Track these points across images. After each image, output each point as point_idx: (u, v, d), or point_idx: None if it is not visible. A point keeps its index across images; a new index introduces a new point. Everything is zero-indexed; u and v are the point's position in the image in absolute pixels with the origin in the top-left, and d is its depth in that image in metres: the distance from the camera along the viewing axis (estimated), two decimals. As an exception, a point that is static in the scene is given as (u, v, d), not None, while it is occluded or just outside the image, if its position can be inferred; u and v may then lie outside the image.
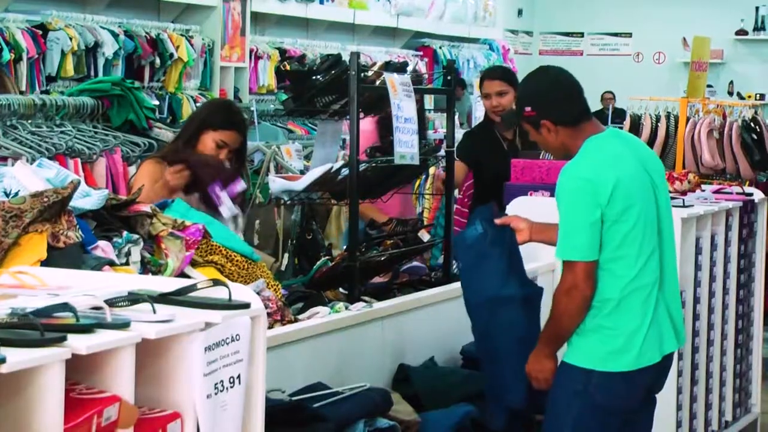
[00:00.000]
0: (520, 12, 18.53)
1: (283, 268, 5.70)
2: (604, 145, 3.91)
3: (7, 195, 3.45)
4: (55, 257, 3.16)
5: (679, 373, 5.40)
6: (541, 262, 4.94)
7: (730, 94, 17.19)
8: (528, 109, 3.94)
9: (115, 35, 9.36)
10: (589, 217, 3.78)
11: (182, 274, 3.56)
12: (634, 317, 3.88)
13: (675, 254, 4.09)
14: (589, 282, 3.81)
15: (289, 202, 4.85)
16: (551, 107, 3.93)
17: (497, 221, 4.14)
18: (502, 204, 5.18)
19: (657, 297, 3.92)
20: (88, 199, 3.49)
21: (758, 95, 17.04)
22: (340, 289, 4.72)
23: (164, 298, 2.53)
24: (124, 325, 2.32)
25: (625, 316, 3.87)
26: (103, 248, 3.38)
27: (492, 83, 6.10)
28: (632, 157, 3.92)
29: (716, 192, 6.23)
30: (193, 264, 3.68)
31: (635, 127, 8.40)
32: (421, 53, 14.07)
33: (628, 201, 3.81)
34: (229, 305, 2.54)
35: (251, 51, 11.13)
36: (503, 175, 5.54)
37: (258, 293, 3.39)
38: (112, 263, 3.33)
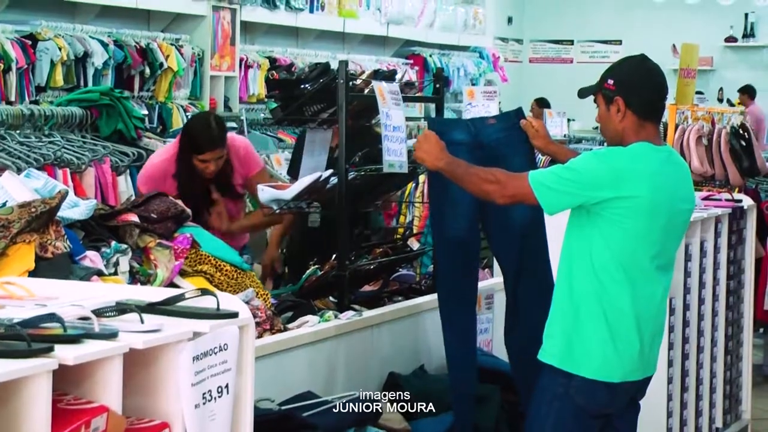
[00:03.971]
0: (510, 20, 18.56)
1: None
2: (650, 156, 3.88)
3: (-6, 205, 3.44)
4: (43, 267, 3.16)
5: (669, 380, 5.40)
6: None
7: (720, 100, 17.22)
8: (610, 82, 3.97)
9: (105, 45, 9.36)
10: (576, 190, 3.80)
11: (171, 284, 3.56)
12: (618, 327, 3.86)
13: (666, 291, 4.07)
14: (512, 200, 3.90)
15: (278, 211, 4.85)
16: (631, 88, 3.95)
17: (522, 122, 4.37)
18: None
19: (643, 318, 3.91)
20: (77, 209, 3.49)
21: (748, 102, 17.08)
22: (330, 298, 4.72)
23: (152, 308, 2.52)
24: (111, 335, 2.32)
25: (604, 324, 3.86)
26: (92, 258, 3.38)
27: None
28: (668, 183, 3.90)
29: (705, 199, 6.24)
30: (182, 274, 3.68)
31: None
32: (411, 61, 14.09)
33: (630, 210, 3.80)
34: (218, 315, 2.53)
35: (241, 60, 11.14)
36: None
37: (247, 302, 3.40)
38: (100, 273, 3.34)
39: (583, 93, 4.17)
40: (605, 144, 4.26)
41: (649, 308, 3.91)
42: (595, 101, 4.06)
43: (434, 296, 4.83)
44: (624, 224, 3.81)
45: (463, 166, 4.02)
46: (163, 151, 5.55)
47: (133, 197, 5.32)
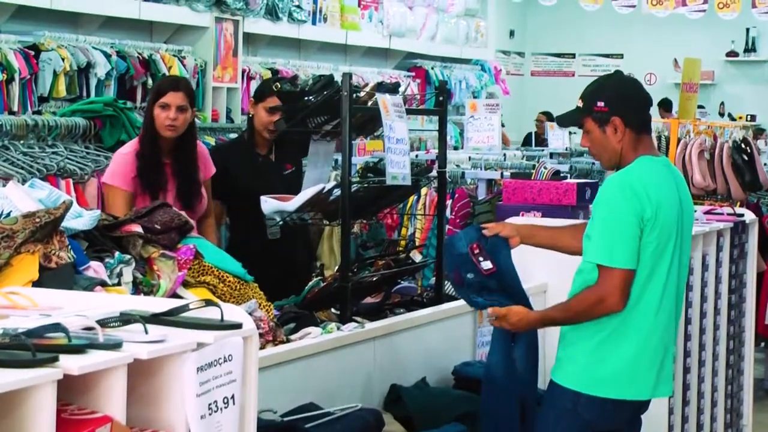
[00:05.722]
0: (512, 33, 18.59)
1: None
2: (655, 168, 3.90)
3: (-1, 215, 3.45)
4: (47, 278, 3.16)
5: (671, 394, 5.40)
6: (531, 283, 4.94)
7: (721, 115, 17.25)
8: (601, 104, 3.90)
9: (108, 56, 9.38)
10: (633, 229, 3.78)
11: (174, 295, 3.56)
12: (632, 345, 3.87)
13: (682, 301, 4.09)
14: (624, 295, 3.79)
15: (281, 223, 4.85)
16: (626, 106, 3.91)
17: (486, 232, 4.12)
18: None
19: (663, 334, 3.92)
20: (80, 219, 3.49)
21: (749, 116, 17.11)
22: (332, 310, 4.72)
23: (156, 319, 2.52)
24: (116, 345, 2.32)
25: (624, 343, 3.87)
26: (95, 269, 3.38)
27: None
28: (675, 192, 3.92)
29: (707, 213, 6.25)
30: (186, 285, 3.68)
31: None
32: (413, 74, 14.11)
33: (660, 227, 3.81)
34: (221, 326, 2.54)
35: (243, 71, 11.16)
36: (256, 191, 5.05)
37: (250, 314, 3.39)
38: (104, 284, 3.33)
39: (565, 121, 4.12)
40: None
41: (665, 327, 3.93)
42: (580, 126, 4.01)
43: (436, 309, 4.84)
44: (646, 239, 3.81)
45: (555, 314, 3.95)
46: (128, 144, 5.51)
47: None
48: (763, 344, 8.72)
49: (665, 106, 15.28)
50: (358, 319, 4.52)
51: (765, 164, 8.69)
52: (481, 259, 4.06)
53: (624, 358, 3.86)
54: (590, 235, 3.86)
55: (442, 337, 4.74)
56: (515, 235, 4.13)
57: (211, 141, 8.00)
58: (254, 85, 11.27)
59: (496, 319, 4.00)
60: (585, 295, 3.84)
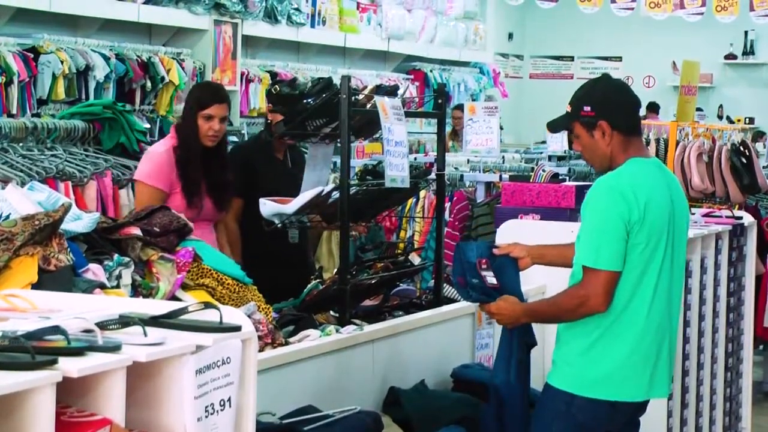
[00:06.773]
0: (510, 36, 18.60)
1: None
2: (645, 169, 3.91)
3: (-2, 218, 3.45)
4: (46, 280, 3.16)
5: (669, 397, 5.40)
6: (531, 285, 4.94)
7: (720, 117, 17.27)
8: (587, 108, 3.92)
9: (107, 58, 9.38)
10: (619, 231, 3.80)
11: (173, 297, 3.57)
12: (624, 346, 3.87)
13: (681, 300, 4.09)
14: (607, 296, 3.81)
15: (280, 225, 4.85)
16: (612, 109, 3.93)
17: (496, 251, 4.14)
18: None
19: (655, 335, 3.92)
20: (79, 222, 3.50)
21: (747, 119, 17.14)
22: (331, 312, 4.72)
23: (155, 321, 2.52)
24: (115, 347, 2.32)
25: (617, 344, 3.87)
26: (94, 271, 3.39)
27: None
28: (667, 193, 3.93)
29: (706, 215, 6.26)
30: (184, 287, 3.68)
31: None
32: (411, 77, 14.11)
33: (649, 228, 3.82)
34: (220, 328, 2.54)
35: (242, 74, 11.16)
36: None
37: (249, 316, 3.40)
38: (103, 286, 3.34)
39: (556, 126, 4.15)
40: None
41: (656, 328, 3.93)
42: (571, 132, 4.03)
43: (435, 311, 4.84)
44: (634, 240, 3.82)
45: (540, 309, 4.01)
46: (160, 144, 5.58)
47: (134, 210, 5.33)
48: (761, 347, 8.72)
49: (652, 108, 15.34)
50: (357, 321, 4.52)
51: (763, 167, 8.69)
52: (486, 274, 4.09)
53: (616, 359, 3.87)
54: (580, 237, 3.90)
55: (441, 340, 4.75)
56: (525, 256, 4.15)
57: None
58: (253, 87, 11.28)
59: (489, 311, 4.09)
60: (570, 294, 3.89)
